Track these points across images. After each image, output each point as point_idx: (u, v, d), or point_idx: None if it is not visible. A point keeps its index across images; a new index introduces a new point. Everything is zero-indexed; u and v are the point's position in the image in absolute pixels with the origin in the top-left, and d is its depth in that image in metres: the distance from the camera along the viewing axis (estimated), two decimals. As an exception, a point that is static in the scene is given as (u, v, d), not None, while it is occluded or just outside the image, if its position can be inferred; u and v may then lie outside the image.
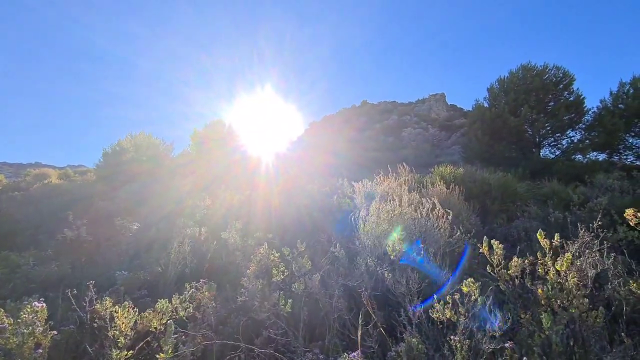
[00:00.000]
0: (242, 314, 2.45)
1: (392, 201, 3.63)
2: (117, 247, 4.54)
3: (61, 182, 9.09)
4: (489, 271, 2.00)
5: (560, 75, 12.77)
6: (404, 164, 7.59)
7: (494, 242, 1.89)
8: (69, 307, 2.64)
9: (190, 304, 2.21)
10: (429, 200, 3.66)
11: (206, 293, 2.39)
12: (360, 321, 2.18)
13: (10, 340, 1.59)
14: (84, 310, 2.01)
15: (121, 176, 8.29)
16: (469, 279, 1.77)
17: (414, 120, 26.26)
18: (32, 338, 1.64)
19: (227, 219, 5.59)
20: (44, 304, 1.73)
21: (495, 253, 1.88)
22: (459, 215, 4.97)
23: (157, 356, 1.89)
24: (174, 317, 2.13)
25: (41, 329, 1.67)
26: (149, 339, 2.09)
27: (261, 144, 12.26)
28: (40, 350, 1.63)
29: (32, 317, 1.68)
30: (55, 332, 1.73)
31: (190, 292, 2.42)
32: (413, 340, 1.71)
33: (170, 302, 2.15)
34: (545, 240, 1.81)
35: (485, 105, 13.86)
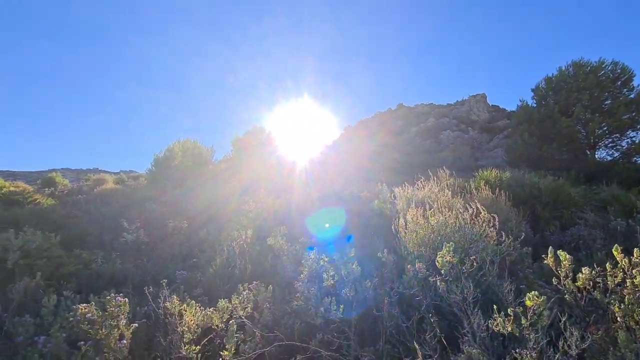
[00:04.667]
0: (294, 317, 2.53)
1: (431, 208, 3.57)
2: (171, 248, 4.86)
3: (117, 187, 9.92)
4: (555, 282, 1.91)
5: (618, 71, 11.75)
6: (443, 167, 7.39)
7: (561, 253, 1.81)
8: (137, 302, 2.88)
9: (249, 304, 2.32)
10: (471, 206, 3.55)
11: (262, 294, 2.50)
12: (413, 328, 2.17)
13: (100, 332, 1.78)
14: (157, 306, 2.18)
15: (170, 181, 8.85)
16: (533, 292, 1.70)
17: (452, 123, 25.32)
18: (117, 330, 1.82)
19: (269, 222, 5.78)
20: (126, 299, 1.91)
21: (562, 264, 1.80)
22: (506, 222, 4.76)
23: (221, 353, 2.01)
24: (234, 316, 2.25)
25: (124, 321, 1.85)
26: (211, 335, 2.23)
27: (298, 149, 12.50)
28: (125, 341, 1.80)
29: (117, 311, 1.87)
30: (136, 324, 1.90)
31: (245, 293, 2.55)
32: (474, 351, 1.68)
33: (230, 301, 2.28)
34: (621, 255, 1.70)
35: (532, 105, 13.09)
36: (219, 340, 2.23)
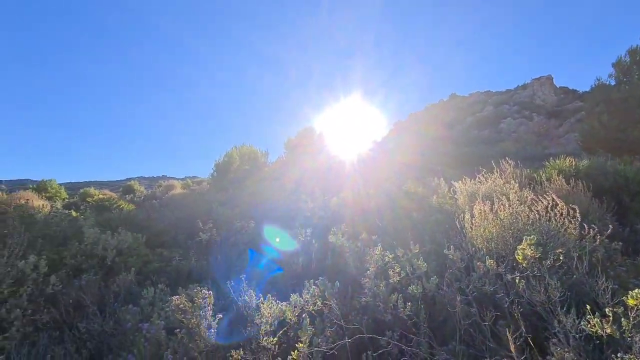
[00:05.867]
0: (362, 313, 2.56)
1: (499, 201, 3.36)
2: (235, 247, 5.19)
3: (185, 192, 10.89)
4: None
5: None
6: (506, 158, 6.86)
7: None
8: (215, 296, 3.14)
9: (318, 300, 2.40)
10: (546, 198, 3.27)
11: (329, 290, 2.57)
12: (487, 328, 2.07)
13: (191, 321, 1.98)
14: (239, 299, 2.36)
15: (230, 183, 9.43)
16: (637, 290, 1.53)
17: (513, 110, 23.23)
18: (205, 320, 2.01)
19: (326, 220, 5.89)
20: (211, 292, 2.11)
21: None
22: (587, 215, 4.31)
23: (296, 345, 2.11)
24: (305, 310, 2.35)
25: (211, 312, 2.04)
26: (285, 328, 2.35)
27: (349, 147, 12.51)
28: (212, 330, 1.99)
29: (203, 302, 2.06)
30: (220, 315, 2.09)
31: (313, 288, 2.64)
32: (567, 354, 1.56)
33: (301, 296, 2.39)
34: None
35: (611, 83, 11.54)
36: (292, 333, 2.34)
